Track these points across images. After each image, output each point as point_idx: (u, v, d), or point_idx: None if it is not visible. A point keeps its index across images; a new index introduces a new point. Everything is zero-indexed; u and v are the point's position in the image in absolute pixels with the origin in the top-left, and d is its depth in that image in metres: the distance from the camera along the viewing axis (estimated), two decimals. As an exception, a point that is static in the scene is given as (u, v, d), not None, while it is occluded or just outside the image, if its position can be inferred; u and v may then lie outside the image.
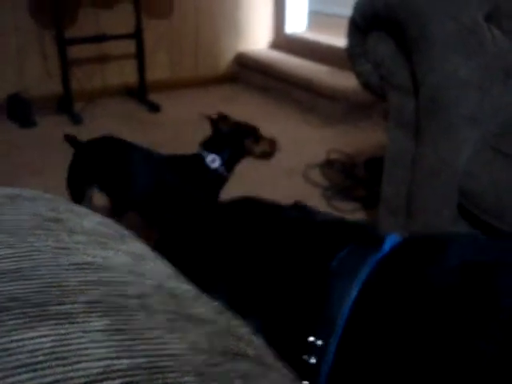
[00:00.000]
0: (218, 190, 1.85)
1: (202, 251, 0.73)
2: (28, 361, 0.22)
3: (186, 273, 0.66)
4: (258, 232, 0.72)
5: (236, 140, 1.87)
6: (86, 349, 0.22)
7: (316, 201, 2.47)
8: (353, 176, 2.72)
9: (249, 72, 4.10)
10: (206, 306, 0.29)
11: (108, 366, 0.22)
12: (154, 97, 3.78)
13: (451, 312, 0.56)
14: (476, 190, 1.52)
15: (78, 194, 1.94)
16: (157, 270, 0.33)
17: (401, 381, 0.55)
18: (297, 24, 4.28)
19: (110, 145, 2.01)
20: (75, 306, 0.25)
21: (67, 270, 0.28)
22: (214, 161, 1.81)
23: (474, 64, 1.56)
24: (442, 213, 1.61)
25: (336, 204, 2.49)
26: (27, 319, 0.24)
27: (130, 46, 3.77)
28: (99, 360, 0.22)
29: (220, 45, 4.25)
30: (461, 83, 1.52)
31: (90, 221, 0.38)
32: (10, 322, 0.23)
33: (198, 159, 1.84)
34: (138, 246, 0.37)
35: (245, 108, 3.45)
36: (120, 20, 3.73)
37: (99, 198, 2.15)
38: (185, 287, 0.31)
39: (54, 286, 0.26)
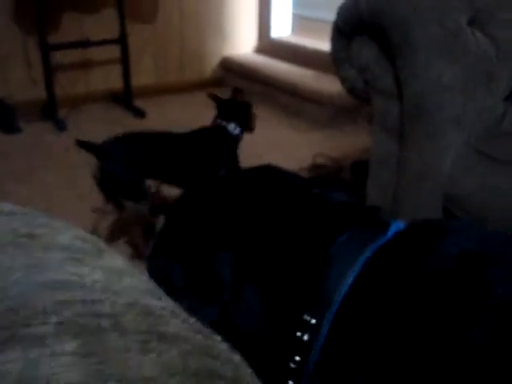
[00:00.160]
0: (236, 152, 2.17)
1: (218, 214, 0.76)
2: (-5, 387, 0.21)
3: (196, 231, 0.69)
4: (270, 204, 0.74)
5: (246, 109, 2.23)
6: (56, 374, 0.22)
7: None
8: (339, 180, 2.72)
9: (234, 76, 4.10)
10: (181, 324, 0.29)
11: (78, 391, 0.22)
12: (139, 102, 3.76)
13: (444, 297, 0.58)
14: (461, 193, 1.52)
15: (137, 193, 2.04)
16: (133, 285, 0.32)
17: (389, 361, 0.58)
18: (282, 28, 4.28)
19: (142, 138, 2.14)
20: (45, 327, 0.24)
21: (39, 289, 0.27)
22: (234, 128, 2.14)
23: (457, 68, 1.57)
24: (427, 216, 1.61)
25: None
26: (-5, 343, 0.23)
27: (114, 52, 3.75)
28: (69, 385, 0.22)
29: (205, 49, 4.25)
30: (444, 88, 1.53)
31: (66, 235, 0.37)
32: (-23, 346, 0.23)
33: (221, 129, 2.15)
34: (116, 261, 0.36)
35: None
36: (104, 25, 3.71)
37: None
38: (161, 304, 0.30)
39: (24, 307, 0.25)
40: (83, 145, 2.11)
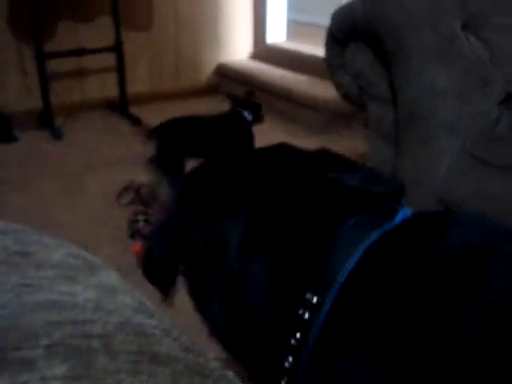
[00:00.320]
0: (251, 134, 2.58)
1: (234, 184, 0.80)
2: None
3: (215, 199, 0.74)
4: (286, 182, 0.77)
5: (257, 107, 2.66)
6: (46, 398, 0.22)
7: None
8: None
9: (230, 83, 4.10)
10: (173, 343, 0.29)
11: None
12: (135, 109, 3.76)
13: (443, 286, 0.59)
14: (456, 198, 1.52)
15: (176, 169, 2.30)
16: (125, 303, 0.32)
17: (384, 342, 0.60)
18: (277, 34, 4.29)
19: (181, 123, 2.51)
20: (35, 351, 0.24)
21: (31, 310, 0.27)
22: (248, 115, 2.57)
23: (452, 73, 1.57)
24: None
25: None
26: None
27: (109, 59, 3.75)
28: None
29: (200, 56, 4.25)
30: (439, 93, 1.53)
31: (59, 253, 0.37)
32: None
33: (238, 114, 2.56)
34: (109, 277, 0.36)
35: (226, 119, 3.44)
36: (99, 33, 3.71)
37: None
38: (152, 322, 0.30)
39: (15, 329, 0.25)
40: (147, 133, 2.53)
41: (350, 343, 0.63)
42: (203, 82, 4.29)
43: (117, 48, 3.64)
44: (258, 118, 2.67)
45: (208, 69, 4.30)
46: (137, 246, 2.11)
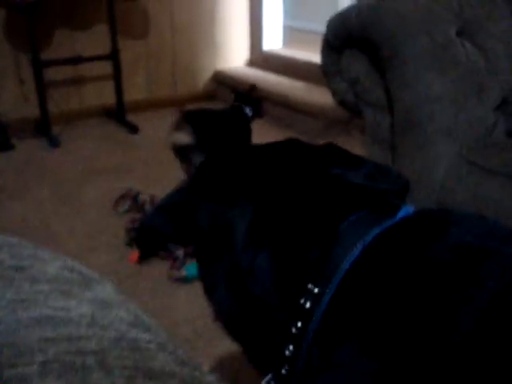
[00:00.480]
0: (249, 128, 2.78)
1: (243, 174, 0.83)
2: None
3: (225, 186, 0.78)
4: (293, 175, 0.81)
5: (257, 100, 2.95)
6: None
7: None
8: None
9: (226, 90, 4.10)
10: (168, 357, 0.29)
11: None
12: (132, 117, 3.77)
13: (439, 284, 0.62)
14: (453, 204, 1.52)
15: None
16: (120, 317, 0.32)
17: (379, 335, 0.63)
18: (273, 41, 4.30)
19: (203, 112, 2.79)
20: (30, 367, 0.24)
21: (25, 326, 0.27)
22: (249, 111, 2.80)
23: (447, 79, 1.57)
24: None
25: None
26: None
27: (106, 67, 3.76)
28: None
29: (197, 63, 4.26)
30: (435, 99, 1.54)
31: (54, 266, 0.37)
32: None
33: (240, 109, 2.80)
34: (105, 291, 0.36)
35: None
36: (96, 41, 3.72)
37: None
38: (148, 336, 0.30)
39: (10, 346, 0.25)
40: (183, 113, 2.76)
41: (348, 334, 0.66)
42: (200, 89, 4.30)
43: (113, 56, 3.65)
44: (257, 113, 2.92)
45: (205, 76, 4.31)
46: (134, 254, 2.11)
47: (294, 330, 0.70)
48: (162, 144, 3.41)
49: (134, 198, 2.51)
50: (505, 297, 0.58)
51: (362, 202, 0.75)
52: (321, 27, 1.78)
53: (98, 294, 0.35)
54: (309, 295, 0.69)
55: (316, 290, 0.69)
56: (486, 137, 1.69)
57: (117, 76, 3.71)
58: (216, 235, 0.80)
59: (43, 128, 3.49)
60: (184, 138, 2.52)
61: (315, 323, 0.69)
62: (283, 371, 0.73)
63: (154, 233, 0.90)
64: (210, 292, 0.87)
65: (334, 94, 1.80)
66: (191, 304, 1.84)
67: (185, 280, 1.95)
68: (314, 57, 2.93)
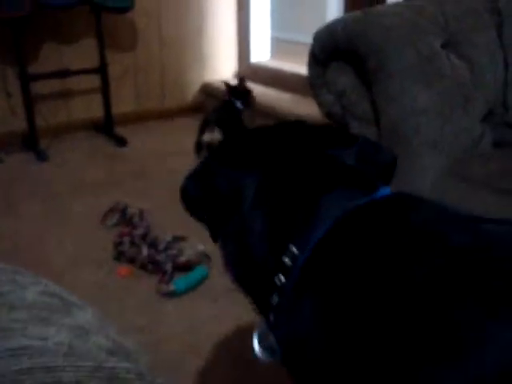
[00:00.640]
0: (241, 119, 3.29)
1: (252, 148, 0.99)
2: None
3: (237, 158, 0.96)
4: (295, 154, 0.94)
5: (247, 91, 3.43)
6: None
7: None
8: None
9: (215, 102, 4.11)
10: (146, 387, 0.28)
11: None
12: (120, 130, 3.76)
13: (387, 258, 0.71)
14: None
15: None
16: (99, 345, 0.32)
17: (339, 290, 0.74)
18: (261, 53, 4.31)
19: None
20: (4, 402, 0.24)
21: (1, 357, 0.27)
22: (241, 104, 3.27)
23: (433, 92, 1.58)
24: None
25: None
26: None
27: (95, 80, 3.76)
28: None
29: (185, 76, 4.26)
30: (420, 111, 1.55)
31: (34, 291, 0.37)
32: None
33: (232, 104, 3.31)
34: (84, 317, 0.36)
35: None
36: (84, 54, 3.72)
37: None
38: (126, 365, 0.30)
39: (-15, 379, 0.25)
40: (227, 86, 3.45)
41: (315, 289, 0.77)
42: (188, 101, 4.31)
43: (101, 69, 3.64)
44: (247, 104, 3.38)
45: (193, 88, 4.31)
46: (122, 268, 2.10)
47: (277, 282, 0.83)
48: (150, 156, 3.42)
49: (123, 212, 2.50)
50: (446, 271, 0.66)
51: (346, 181, 0.87)
52: (309, 38, 1.79)
53: (77, 320, 0.35)
54: (290, 254, 0.82)
55: (295, 251, 0.81)
56: (472, 148, 1.70)
57: (105, 89, 3.71)
58: (230, 198, 0.94)
59: (31, 142, 3.48)
60: (214, 136, 2.99)
61: (293, 278, 0.81)
62: (271, 318, 0.86)
63: (188, 196, 1.04)
64: (223, 248, 1.00)
65: (321, 106, 1.81)
66: (180, 319, 1.83)
67: (173, 294, 1.94)
68: (302, 68, 2.94)
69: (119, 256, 2.18)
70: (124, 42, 3.93)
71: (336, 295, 0.74)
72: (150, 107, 4.15)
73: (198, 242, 2.19)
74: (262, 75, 4.11)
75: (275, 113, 3.59)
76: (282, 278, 0.82)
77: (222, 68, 4.38)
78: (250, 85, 4.10)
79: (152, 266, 2.09)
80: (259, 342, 0.93)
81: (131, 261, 2.14)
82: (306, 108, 3.34)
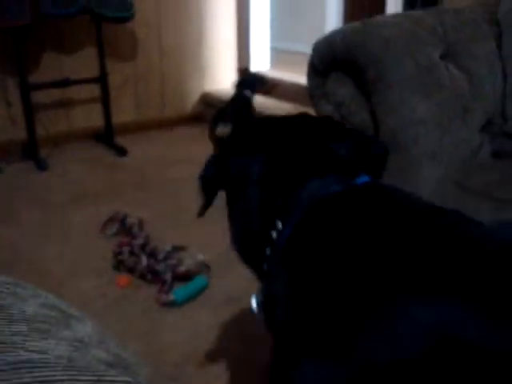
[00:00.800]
0: (250, 107, 3.35)
1: (258, 136, 1.11)
2: None
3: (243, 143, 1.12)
4: (296, 143, 1.06)
5: (255, 82, 3.44)
6: None
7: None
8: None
9: (215, 111, 4.12)
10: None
11: None
12: (120, 139, 3.77)
13: (347, 238, 0.83)
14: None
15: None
16: (98, 358, 0.32)
17: (306, 264, 0.86)
18: (260, 63, 4.32)
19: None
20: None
21: (2, 370, 0.27)
22: (249, 94, 3.31)
23: (432, 102, 1.59)
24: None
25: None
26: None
27: (95, 90, 3.77)
28: None
29: (185, 85, 4.27)
30: (419, 122, 1.55)
31: (34, 304, 0.37)
32: None
33: (240, 94, 3.33)
34: (84, 329, 0.36)
35: (212, 147, 3.45)
36: (84, 64, 3.73)
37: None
38: (125, 378, 0.30)
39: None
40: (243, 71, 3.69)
41: (289, 259, 0.90)
42: (188, 110, 4.32)
43: (102, 79, 3.66)
44: (261, 85, 3.46)
45: (193, 98, 4.32)
46: (121, 277, 2.10)
47: (268, 252, 0.97)
48: (150, 166, 3.42)
49: (122, 221, 2.50)
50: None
51: (332, 169, 0.99)
52: (308, 49, 1.79)
53: (76, 333, 0.35)
54: (276, 229, 0.95)
55: (280, 226, 0.95)
56: (471, 158, 1.70)
57: (105, 99, 3.72)
58: (239, 182, 1.07)
59: (31, 151, 3.49)
60: (226, 128, 3.06)
61: (277, 250, 0.94)
62: (264, 284, 1.01)
63: (207, 180, 1.15)
64: (231, 227, 1.13)
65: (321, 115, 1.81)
66: (179, 328, 1.83)
67: (173, 304, 1.94)
68: (302, 78, 2.95)
69: (119, 265, 2.18)
70: (124, 52, 3.95)
71: (302, 265, 0.87)
72: (150, 117, 4.16)
73: (198, 251, 2.19)
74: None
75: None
76: (270, 250, 0.96)
77: (222, 78, 4.40)
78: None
79: (151, 276, 2.09)
80: (256, 303, 1.04)
81: (130, 270, 2.14)
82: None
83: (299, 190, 0.96)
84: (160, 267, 2.10)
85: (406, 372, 0.68)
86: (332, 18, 3.78)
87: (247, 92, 3.38)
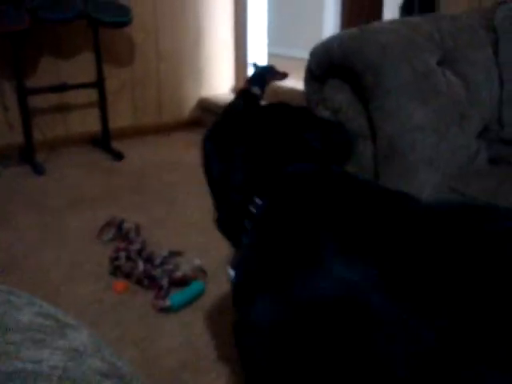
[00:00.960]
0: (258, 103, 3.23)
1: (242, 125, 1.28)
2: None
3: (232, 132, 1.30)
4: (272, 132, 1.22)
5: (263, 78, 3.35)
6: None
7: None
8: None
9: (212, 116, 4.12)
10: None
11: None
12: (117, 144, 3.77)
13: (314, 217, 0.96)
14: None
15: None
16: (94, 367, 0.32)
17: (283, 232, 0.98)
18: (258, 68, 4.33)
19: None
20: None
21: (-5, 380, 0.27)
22: (257, 90, 3.15)
23: (429, 109, 1.59)
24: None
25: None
26: None
27: (92, 95, 3.77)
28: None
29: (182, 91, 4.28)
30: (416, 128, 1.55)
31: (29, 313, 0.37)
32: None
33: (248, 91, 3.18)
34: (79, 338, 0.36)
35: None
36: (81, 69, 3.73)
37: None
38: (120, 388, 0.30)
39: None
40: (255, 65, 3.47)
41: (260, 229, 1.06)
42: (185, 116, 4.32)
43: (99, 84, 3.66)
44: (272, 75, 3.39)
45: (190, 103, 4.33)
46: (118, 283, 2.10)
47: (247, 225, 1.11)
48: (146, 171, 3.42)
49: (119, 226, 2.50)
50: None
51: (307, 157, 1.15)
52: (305, 54, 1.79)
53: (72, 342, 0.35)
54: (254, 205, 1.09)
55: (258, 202, 1.09)
56: (468, 164, 1.70)
57: (102, 103, 3.72)
58: (227, 165, 1.22)
59: (28, 155, 3.48)
60: (257, 91, 3.14)
61: (256, 224, 1.08)
62: (244, 253, 1.11)
63: (205, 154, 1.30)
64: (215, 206, 1.29)
65: (318, 122, 1.81)
66: (176, 334, 1.83)
67: (169, 310, 1.94)
68: (299, 84, 2.96)
69: (115, 271, 2.17)
70: (121, 57, 3.95)
71: (267, 225, 1.04)
72: (146, 122, 4.16)
73: (195, 256, 2.18)
74: (259, 90, 4.12)
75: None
76: (249, 223, 1.10)
77: (219, 83, 4.40)
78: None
79: (148, 281, 2.08)
80: (232, 268, 1.16)
81: (127, 276, 2.13)
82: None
83: (277, 172, 1.11)
84: (157, 272, 2.10)
85: (319, 314, 0.83)
86: (329, 24, 3.79)
87: (255, 89, 3.35)
